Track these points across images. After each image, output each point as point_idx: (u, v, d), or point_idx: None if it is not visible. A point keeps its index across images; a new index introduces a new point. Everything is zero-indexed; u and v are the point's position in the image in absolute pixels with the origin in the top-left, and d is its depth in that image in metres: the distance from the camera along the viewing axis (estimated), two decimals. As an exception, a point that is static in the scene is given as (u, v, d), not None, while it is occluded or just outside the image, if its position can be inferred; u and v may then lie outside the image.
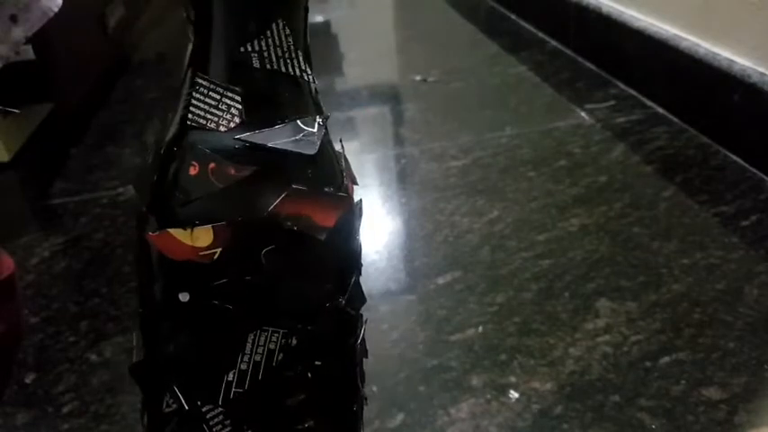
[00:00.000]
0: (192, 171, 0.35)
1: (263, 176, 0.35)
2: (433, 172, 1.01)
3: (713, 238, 0.79)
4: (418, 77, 1.38)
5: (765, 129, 0.90)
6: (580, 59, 1.38)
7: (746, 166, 0.94)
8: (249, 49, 0.35)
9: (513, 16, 1.71)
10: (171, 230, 0.35)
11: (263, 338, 0.37)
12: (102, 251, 0.88)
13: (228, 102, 0.36)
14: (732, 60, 0.95)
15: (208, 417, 0.37)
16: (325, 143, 0.38)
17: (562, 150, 1.04)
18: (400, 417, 0.59)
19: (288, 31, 0.36)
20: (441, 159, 1.04)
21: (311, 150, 0.36)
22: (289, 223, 0.35)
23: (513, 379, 0.62)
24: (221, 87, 0.36)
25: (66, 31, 1.17)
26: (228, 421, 0.38)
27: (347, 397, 0.43)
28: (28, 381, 0.67)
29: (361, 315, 0.42)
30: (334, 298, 0.39)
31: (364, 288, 0.41)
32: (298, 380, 0.38)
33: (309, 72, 0.37)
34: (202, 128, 0.35)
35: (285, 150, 0.35)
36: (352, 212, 0.39)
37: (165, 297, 0.37)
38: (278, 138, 0.36)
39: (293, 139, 0.36)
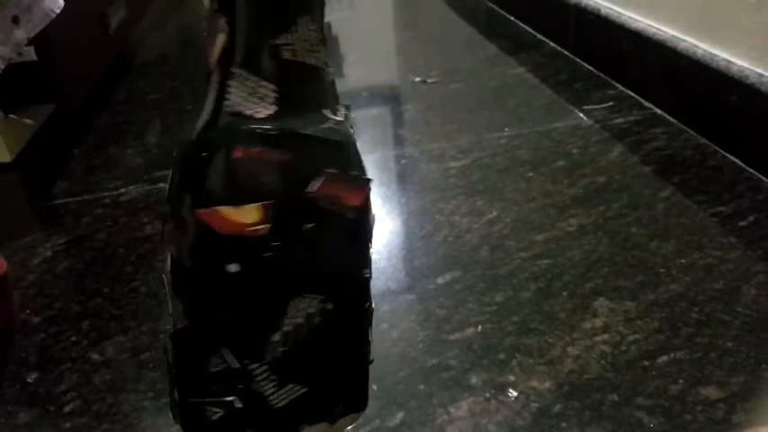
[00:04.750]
0: (238, 154, 0.37)
1: (303, 160, 0.38)
2: (433, 172, 1.01)
3: (711, 238, 0.80)
4: (418, 79, 1.38)
5: (763, 129, 0.91)
6: (579, 61, 1.38)
7: (744, 166, 0.94)
8: (280, 42, 0.38)
9: (512, 18, 1.72)
10: (220, 208, 0.37)
11: (303, 303, 0.40)
12: (103, 251, 0.88)
13: (263, 91, 0.39)
14: (730, 61, 0.96)
15: (254, 373, 0.41)
16: (349, 129, 0.41)
17: (561, 151, 1.04)
18: (400, 415, 0.59)
19: (312, 26, 0.39)
20: (440, 160, 1.05)
21: (340, 137, 0.39)
22: (324, 203, 0.39)
23: (511, 378, 0.62)
24: (256, 77, 0.38)
25: (68, 32, 1.17)
26: (275, 376, 0.41)
27: (361, 355, 0.46)
28: (30, 380, 0.67)
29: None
30: (362, 269, 0.42)
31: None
32: (330, 340, 0.43)
33: (329, 64, 0.40)
34: (238, 114, 0.38)
35: (318, 137, 0.39)
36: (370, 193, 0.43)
37: (211, 268, 0.39)
38: (310, 125, 0.39)
39: (324, 126, 0.39)
